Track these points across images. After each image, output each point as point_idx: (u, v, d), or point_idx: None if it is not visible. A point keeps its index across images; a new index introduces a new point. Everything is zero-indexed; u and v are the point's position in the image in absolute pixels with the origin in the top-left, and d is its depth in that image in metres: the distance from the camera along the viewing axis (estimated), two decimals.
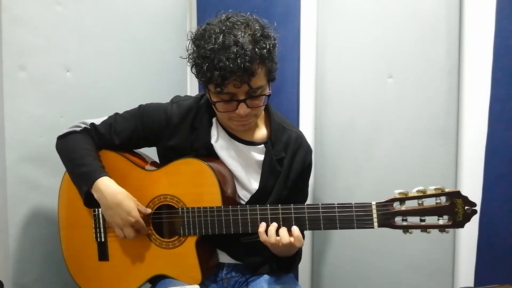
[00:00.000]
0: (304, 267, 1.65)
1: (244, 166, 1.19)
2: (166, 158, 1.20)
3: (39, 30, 1.32)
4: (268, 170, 1.17)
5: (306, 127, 1.63)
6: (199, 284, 1.11)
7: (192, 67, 1.08)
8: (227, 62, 0.98)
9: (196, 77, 1.08)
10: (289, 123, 1.25)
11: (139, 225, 1.12)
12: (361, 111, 1.49)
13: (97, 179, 1.12)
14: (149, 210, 1.15)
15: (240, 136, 1.19)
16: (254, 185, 1.18)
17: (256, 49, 1.01)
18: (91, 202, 1.15)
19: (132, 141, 1.21)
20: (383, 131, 1.45)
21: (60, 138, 1.21)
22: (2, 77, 1.24)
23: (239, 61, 0.98)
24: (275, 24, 1.10)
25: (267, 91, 1.10)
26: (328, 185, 1.56)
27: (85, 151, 1.16)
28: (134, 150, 1.28)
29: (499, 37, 1.30)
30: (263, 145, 1.19)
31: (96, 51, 1.49)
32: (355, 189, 1.50)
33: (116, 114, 1.23)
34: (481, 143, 1.34)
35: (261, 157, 1.18)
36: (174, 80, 1.82)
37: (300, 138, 1.24)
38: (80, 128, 1.20)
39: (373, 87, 1.46)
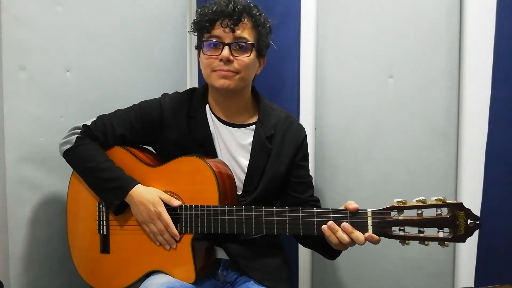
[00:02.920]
0: (304, 267, 1.65)
1: (238, 148, 1.22)
2: (166, 153, 1.22)
3: (39, 30, 1.32)
4: (258, 147, 1.21)
5: (306, 127, 1.61)
6: (193, 283, 1.12)
7: (192, 27, 1.20)
8: (220, 5, 1.13)
9: (193, 30, 1.21)
10: (278, 107, 1.31)
11: (162, 217, 1.14)
12: (361, 111, 1.48)
13: (127, 194, 1.15)
14: (177, 202, 1.14)
15: (230, 121, 1.23)
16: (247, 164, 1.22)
17: (248, 3, 1.15)
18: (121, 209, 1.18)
19: (128, 137, 1.23)
20: (383, 131, 1.45)
21: (69, 151, 1.21)
22: (2, 77, 1.24)
23: (229, 5, 1.12)
24: (276, 22, 1.18)
25: (252, 55, 1.17)
26: (328, 186, 1.56)
27: (103, 163, 1.19)
28: (141, 146, 1.29)
29: (500, 37, 1.30)
30: (253, 125, 1.23)
31: (96, 51, 1.49)
32: (355, 190, 1.50)
33: (113, 112, 1.26)
34: (482, 143, 1.34)
35: (252, 137, 1.22)
36: (174, 80, 1.82)
37: (290, 117, 1.29)
38: (79, 135, 1.21)
39: (374, 87, 1.46)
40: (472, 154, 1.36)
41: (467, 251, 1.37)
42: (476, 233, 1.34)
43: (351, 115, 1.50)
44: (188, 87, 1.92)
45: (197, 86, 1.87)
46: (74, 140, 1.21)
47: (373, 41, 1.45)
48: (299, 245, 1.64)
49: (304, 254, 1.65)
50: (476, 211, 1.33)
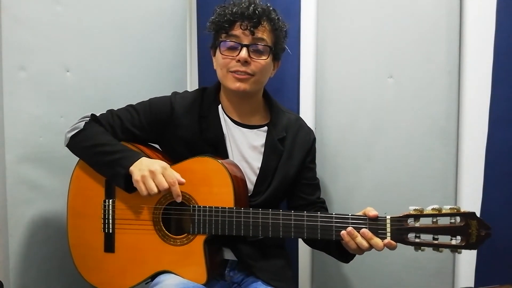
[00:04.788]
0: (304, 267, 1.65)
1: (250, 149, 1.23)
2: (174, 152, 1.21)
3: (39, 30, 1.32)
4: (270, 149, 1.22)
5: None
6: (204, 284, 1.12)
7: (210, 27, 1.19)
8: (239, 6, 1.13)
9: (209, 29, 1.20)
10: (287, 109, 1.33)
11: (167, 172, 1.09)
12: (362, 111, 1.48)
13: (138, 159, 1.12)
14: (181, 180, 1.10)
15: (243, 122, 1.24)
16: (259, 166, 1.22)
17: (267, 7, 1.15)
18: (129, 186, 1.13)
19: (136, 133, 1.23)
20: (384, 131, 1.45)
21: (75, 136, 1.19)
22: (2, 77, 1.24)
23: (250, 7, 1.12)
24: None
25: (269, 58, 1.17)
26: (328, 185, 1.56)
27: (111, 141, 1.18)
28: (150, 144, 1.28)
29: (500, 37, 1.30)
30: (265, 127, 1.24)
31: (96, 51, 1.49)
32: (355, 189, 1.50)
33: (123, 107, 1.26)
34: (482, 143, 1.34)
35: (264, 139, 1.23)
36: (174, 80, 1.82)
37: (300, 119, 1.32)
38: (87, 122, 1.21)
39: (374, 87, 1.46)
40: (472, 154, 1.36)
41: (467, 251, 1.37)
42: None
43: (351, 115, 1.50)
44: (188, 87, 1.93)
45: (197, 86, 1.87)
46: (82, 125, 1.20)
47: (373, 41, 1.45)
48: (299, 245, 1.65)
49: (304, 253, 1.65)
50: (476, 211, 1.33)
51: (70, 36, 1.40)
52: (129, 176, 1.11)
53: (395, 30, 1.42)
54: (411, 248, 1.40)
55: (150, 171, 1.08)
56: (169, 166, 1.12)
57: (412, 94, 1.40)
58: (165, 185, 1.07)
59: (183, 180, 1.10)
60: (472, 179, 1.36)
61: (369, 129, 1.47)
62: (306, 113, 1.62)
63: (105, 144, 1.16)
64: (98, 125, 1.21)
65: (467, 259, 1.38)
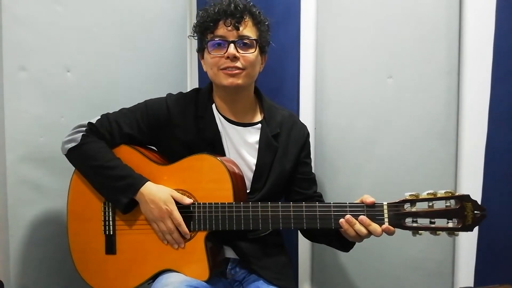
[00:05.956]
0: (304, 267, 1.65)
1: (245, 146, 1.24)
2: (172, 153, 1.22)
3: (39, 30, 1.32)
4: (265, 146, 1.23)
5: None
6: (206, 280, 1.12)
7: (194, 31, 1.23)
8: (220, 6, 1.16)
9: (195, 33, 1.23)
10: (280, 106, 1.34)
11: (173, 216, 1.13)
12: (361, 111, 1.49)
13: (138, 191, 1.14)
14: (188, 200, 1.14)
15: (237, 120, 1.25)
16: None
17: (247, 2, 1.19)
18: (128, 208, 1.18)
19: (135, 136, 1.23)
20: (383, 131, 1.45)
21: (74, 150, 1.19)
22: (3, 77, 1.24)
23: (231, 5, 1.15)
24: (276, 22, 1.21)
25: (256, 51, 1.19)
26: (328, 185, 1.56)
27: (109, 162, 1.17)
28: (147, 145, 1.28)
29: (499, 37, 1.30)
30: (259, 124, 1.25)
31: (96, 51, 1.49)
32: (355, 189, 1.50)
33: (118, 111, 1.26)
34: (481, 143, 1.34)
35: (258, 136, 1.24)
36: (174, 80, 1.82)
37: (293, 116, 1.33)
38: (84, 133, 1.20)
39: (373, 87, 1.46)
40: (472, 153, 1.36)
41: (467, 250, 1.37)
42: (475, 233, 1.36)
43: (351, 115, 1.51)
44: (188, 87, 1.93)
45: (197, 87, 1.88)
46: (79, 138, 1.19)
47: (373, 41, 1.46)
48: (299, 243, 1.65)
49: (304, 252, 1.65)
50: None
51: (70, 36, 1.41)
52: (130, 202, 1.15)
53: (394, 30, 1.42)
54: (410, 247, 1.41)
55: (160, 215, 1.13)
56: (170, 199, 1.13)
57: (411, 94, 1.40)
58: (172, 229, 1.13)
59: (189, 202, 1.14)
60: (471, 180, 1.36)
61: (368, 129, 1.48)
62: (306, 113, 1.62)
63: (107, 167, 1.16)
64: (96, 138, 1.20)
65: (467, 259, 1.38)
